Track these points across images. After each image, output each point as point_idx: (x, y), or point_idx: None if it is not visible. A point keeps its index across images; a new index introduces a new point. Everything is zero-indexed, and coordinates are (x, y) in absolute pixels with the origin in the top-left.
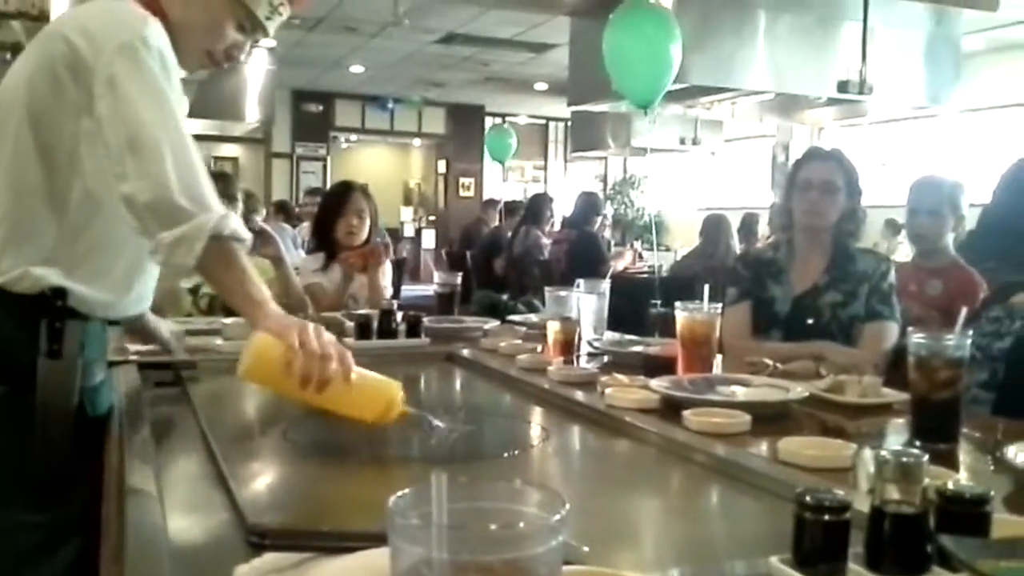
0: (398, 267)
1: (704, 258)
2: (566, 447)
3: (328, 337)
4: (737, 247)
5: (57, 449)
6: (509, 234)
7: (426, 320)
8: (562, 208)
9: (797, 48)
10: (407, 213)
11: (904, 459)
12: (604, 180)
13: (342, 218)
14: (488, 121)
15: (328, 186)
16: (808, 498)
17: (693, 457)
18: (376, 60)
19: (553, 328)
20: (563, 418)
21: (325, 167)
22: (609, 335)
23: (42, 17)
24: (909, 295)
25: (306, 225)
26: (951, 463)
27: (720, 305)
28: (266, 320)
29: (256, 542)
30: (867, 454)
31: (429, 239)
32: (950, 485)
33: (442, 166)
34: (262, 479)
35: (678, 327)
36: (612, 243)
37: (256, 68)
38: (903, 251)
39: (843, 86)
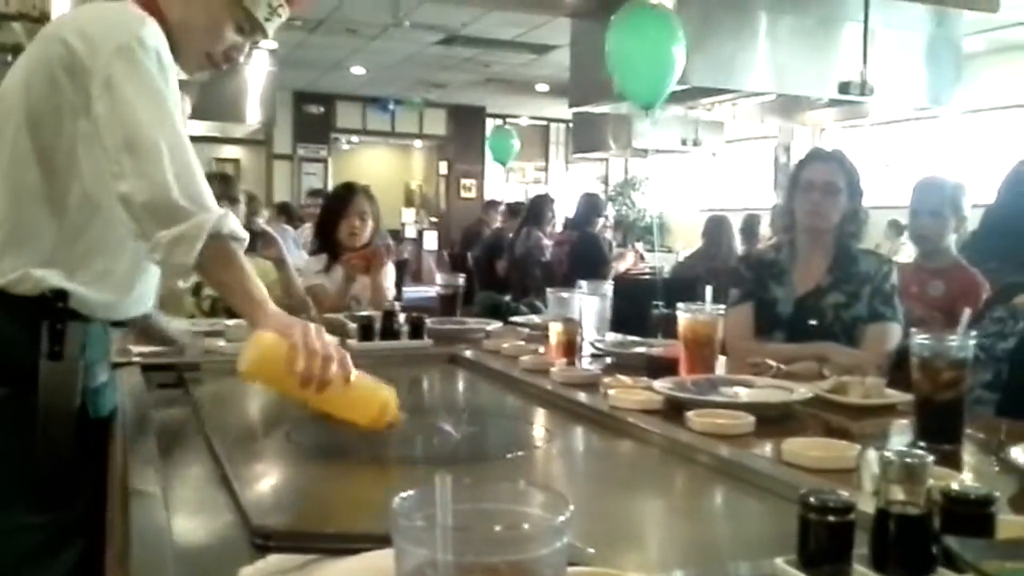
0: (400, 268)
1: (706, 259)
2: (569, 448)
3: (328, 338)
4: (739, 248)
5: (59, 451)
6: (511, 235)
7: (429, 321)
8: (564, 209)
9: (798, 49)
10: (409, 214)
11: (908, 460)
12: (605, 181)
13: (345, 220)
14: (489, 122)
15: (329, 188)
16: (812, 499)
17: (697, 458)
18: (377, 61)
19: (556, 329)
20: (566, 419)
21: (326, 169)
22: (611, 336)
23: (43, 18)
24: (911, 296)
25: (308, 226)
26: (955, 464)
27: (723, 306)
28: (266, 319)
29: (260, 544)
30: (871, 455)
31: (431, 240)
32: (954, 486)
33: (443, 167)
34: (266, 481)
35: (680, 328)
36: (614, 244)
37: (257, 70)
38: (906, 252)
39: (844, 87)
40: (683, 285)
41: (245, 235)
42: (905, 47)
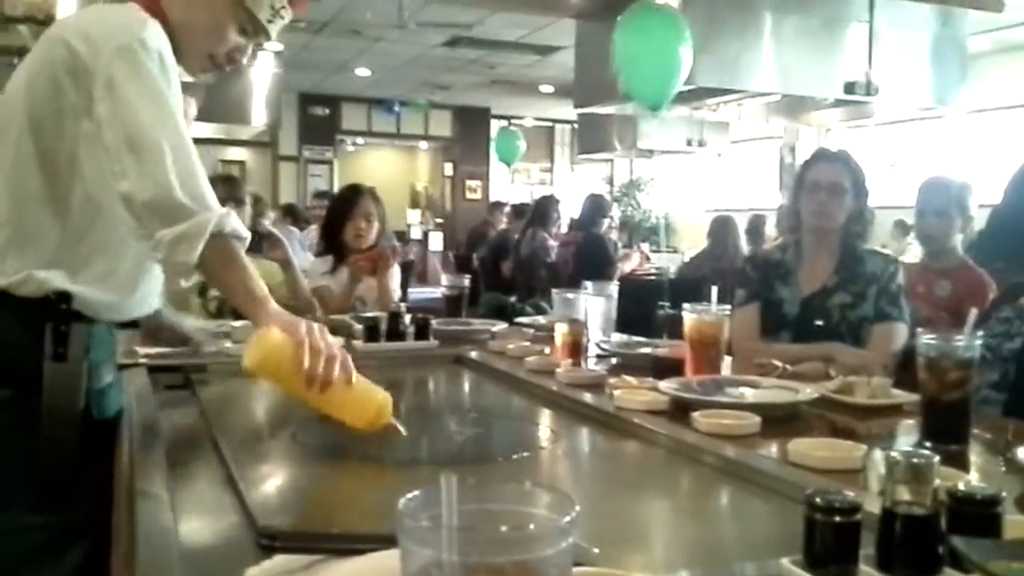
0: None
1: (712, 260)
2: (575, 449)
3: (331, 339)
4: (745, 249)
5: (63, 452)
6: (516, 236)
7: (434, 322)
8: (569, 210)
9: (803, 50)
10: (414, 216)
11: (915, 460)
12: (611, 182)
13: (350, 221)
14: (494, 123)
15: (335, 189)
16: (818, 499)
17: (702, 459)
18: (382, 63)
19: (561, 330)
20: (572, 420)
21: (332, 170)
22: (617, 337)
23: (48, 21)
24: (918, 296)
25: (313, 228)
26: (961, 464)
27: (728, 307)
28: (268, 317)
29: (266, 544)
30: (877, 455)
31: (436, 242)
32: (961, 486)
33: (449, 169)
34: (272, 481)
35: (686, 329)
36: (619, 245)
37: (263, 72)
38: (913, 252)
39: (849, 87)
40: (689, 286)
41: (247, 234)
42: (910, 47)
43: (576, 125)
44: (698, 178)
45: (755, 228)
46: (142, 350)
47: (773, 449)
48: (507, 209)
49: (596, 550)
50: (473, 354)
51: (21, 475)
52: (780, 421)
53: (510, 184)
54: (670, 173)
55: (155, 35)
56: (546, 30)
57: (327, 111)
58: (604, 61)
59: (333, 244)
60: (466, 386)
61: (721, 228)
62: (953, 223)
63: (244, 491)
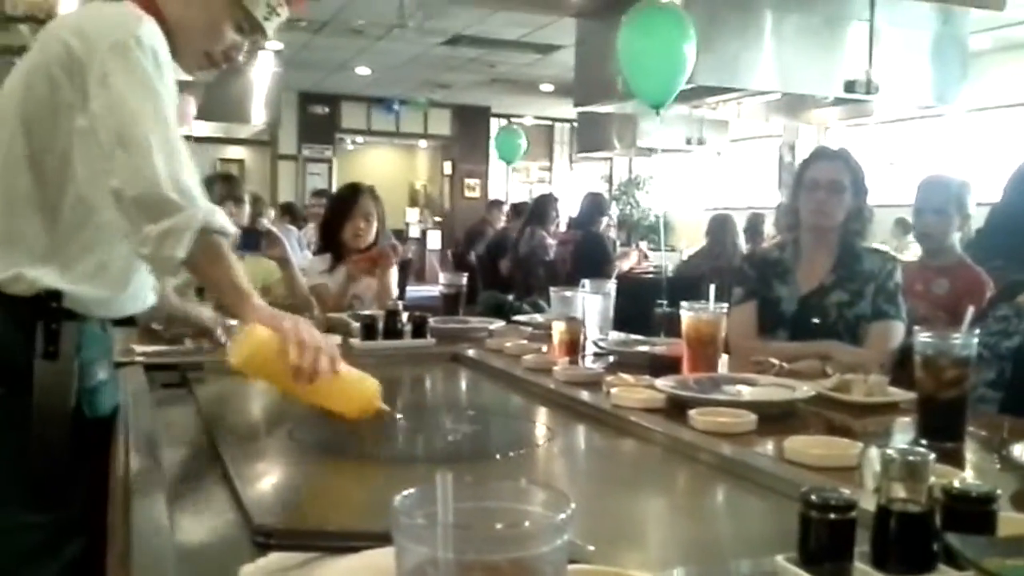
0: (403, 268)
1: (710, 258)
2: (571, 447)
3: (316, 332)
4: (743, 247)
5: (54, 450)
6: (515, 235)
7: (432, 321)
8: (568, 209)
9: (803, 48)
10: (413, 214)
11: (910, 458)
12: (610, 180)
13: (349, 221)
14: (494, 122)
15: (334, 188)
16: (814, 497)
17: (699, 456)
18: (382, 62)
19: (559, 328)
20: (568, 418)
21: (331, 169)
22: (615, 335)
23: (49, 20)
24: (915, 294)
25: (312, 226)
26: (957, 462)
27: (726, 305)
28: (254, 313)
29: (262, 542)
30: (873, 453)
31: (435, 240)
32: (956, 484)
33: (448, 167)
34: (268, 479)
35: (684, 327)
36: (618, 244)
37: (262, 70)
38: (913, 250)
39: (850, 86)
40: (687, 284)
41: (233, 230)
42: (911, 45)
43: (575, 124)
44: (697, 177)
45: (754, 227)
46: (139, 348)
47: (769, 447)
48: (506, 208)
49: (592, 548)
50: (470, 352)
51: (14, 474)
52: (776, 419)
53: (509, 183)
54: (669, 171)
55: (150, 32)
56: (546, 29)
57: (327, 110)
58: (604, 60)
59: (331, 243)
60: (463, 384)
61: (720, 227)
62: (951, 221)
63: (240, 489)
